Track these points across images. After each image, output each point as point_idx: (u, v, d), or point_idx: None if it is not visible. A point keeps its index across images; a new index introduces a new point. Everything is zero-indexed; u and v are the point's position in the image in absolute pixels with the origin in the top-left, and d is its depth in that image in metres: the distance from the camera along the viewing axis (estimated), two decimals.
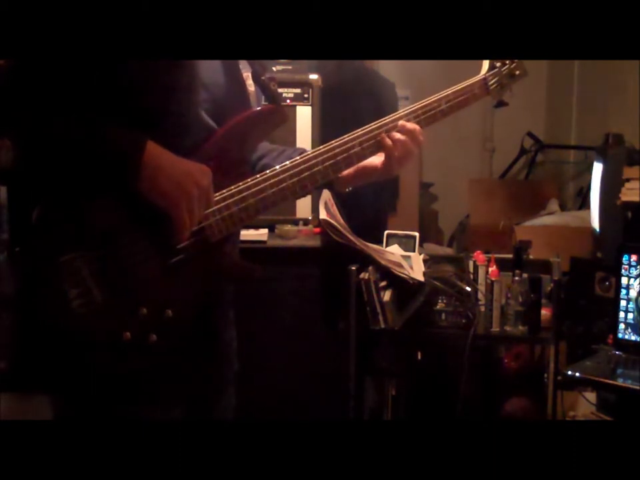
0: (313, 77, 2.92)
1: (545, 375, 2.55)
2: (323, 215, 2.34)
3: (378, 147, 1.50)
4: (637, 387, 2.20)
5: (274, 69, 2.93)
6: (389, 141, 1.49)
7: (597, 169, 3.21)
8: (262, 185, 1.41)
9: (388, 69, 4.32)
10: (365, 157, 1.50)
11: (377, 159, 1.53)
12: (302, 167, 1.43)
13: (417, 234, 2.69)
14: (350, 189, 1.60)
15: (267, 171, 1.42)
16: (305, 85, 2.90)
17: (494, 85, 1.57)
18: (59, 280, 1.26)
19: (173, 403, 1.39)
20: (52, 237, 1.27)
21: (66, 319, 1.27)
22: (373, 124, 1.51)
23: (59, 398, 1.36)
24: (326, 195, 2.41)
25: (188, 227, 1.30)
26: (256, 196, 1.40)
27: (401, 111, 1.53)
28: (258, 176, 1.41)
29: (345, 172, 1.52)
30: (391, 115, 1.52)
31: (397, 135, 1.49)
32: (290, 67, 2.95)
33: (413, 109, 1.53)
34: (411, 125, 1.50)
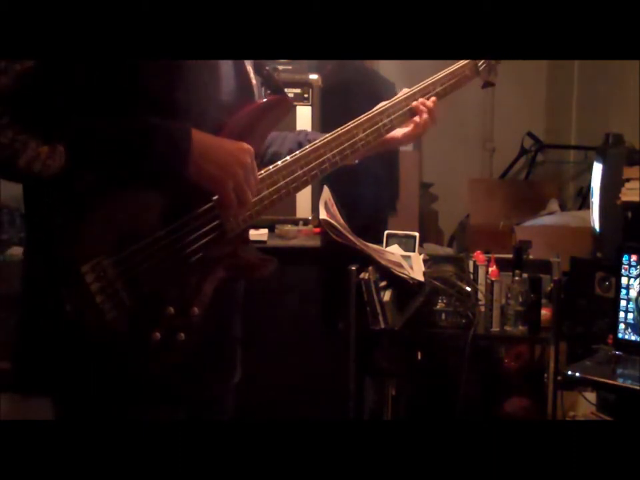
0: (313, 77, 2.92)
1: (545, 375, 2.55)
2: (323, 214, 2.34)
3: (380, 133, 1.53)
4: (637, 387, 2.20)
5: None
6: (421, 107, 1.57)
7: (597, 169, 3.21)
8: (275, 177, 1.42)
9: (388, 69, 4.32)
10: (370, 143, 1.53)
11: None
12: (311, 156, 1.45)
13: (417, 234, 2.69)
14: (357, 161, 1.62)
15: (279, 162, 1.43)
16: (305, 85, 2.90)
17: (483, 66, 1.60)
18: (87, 285, 1.25)
19: (182, 403, 1.40)
20: (76, 242, 1.26)
21: (97, 323, 1.26)
22: (374, 109, 1.54)
23: (78, 401, 1.35)
24: (326, 194, 2.41)
25: (235, 206, 1.32)
26: (270, 188, 1.41)
27: (399, 95, 1.58)
28: (270, 167, 1.42)
29: None
30: (390, 100, 1.57)
31: (426, 102, 1.57)
32: (290, 67, 2.95)
33: (410, 92, 1.58)
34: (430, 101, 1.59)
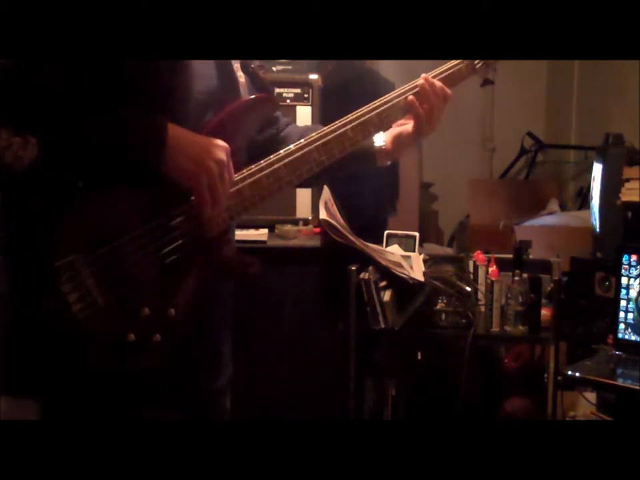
0: (313, 77, 2.92)
1: (545, 375, 2.55)
2: (323, 214, 2.34)
3: (369, 131, 1.47)
4: (637, 387, 2.20)
5: (274, 68, 2.94)
6: (415, 100, 1.47)
7: (597, 169, 3.21)
8: (257, 176, 1.39)
9: (388, 69, 4.31)
10: (358, 142, 1.47)
11: (409, 125, 1.53)
12: (295, 155, 1.41)
13: (417, 234, 2.69)
14: (389, 162, 1.58)
15: (261, 162, 1.40)
16: (305, 85, 2.90)
17: (479, 64, 1.56)
18: (59, 284, 1.25)
19: (171, 405, 1.39)
20: (49, 240, 1.26)
21: (69, 323, 1.26)
22: (364, 107, 1.48)
23: (55, 402, 1.34)
24: (326, 194, 2.41)
25: (209, 202, 1.31)
26: (252, 188, 1.39)
27: (391, 93, 1.51)
28: (252, 166, 1.40)
29: (384, 145, 1.54)
30: (381, 98, 1.50)
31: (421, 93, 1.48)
32: (290, 67, 2.95)
33: (401, 90, 1.51)
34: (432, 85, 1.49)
